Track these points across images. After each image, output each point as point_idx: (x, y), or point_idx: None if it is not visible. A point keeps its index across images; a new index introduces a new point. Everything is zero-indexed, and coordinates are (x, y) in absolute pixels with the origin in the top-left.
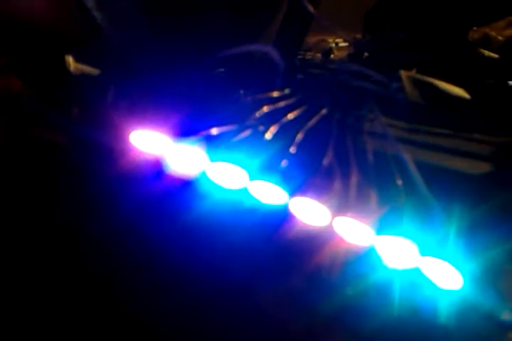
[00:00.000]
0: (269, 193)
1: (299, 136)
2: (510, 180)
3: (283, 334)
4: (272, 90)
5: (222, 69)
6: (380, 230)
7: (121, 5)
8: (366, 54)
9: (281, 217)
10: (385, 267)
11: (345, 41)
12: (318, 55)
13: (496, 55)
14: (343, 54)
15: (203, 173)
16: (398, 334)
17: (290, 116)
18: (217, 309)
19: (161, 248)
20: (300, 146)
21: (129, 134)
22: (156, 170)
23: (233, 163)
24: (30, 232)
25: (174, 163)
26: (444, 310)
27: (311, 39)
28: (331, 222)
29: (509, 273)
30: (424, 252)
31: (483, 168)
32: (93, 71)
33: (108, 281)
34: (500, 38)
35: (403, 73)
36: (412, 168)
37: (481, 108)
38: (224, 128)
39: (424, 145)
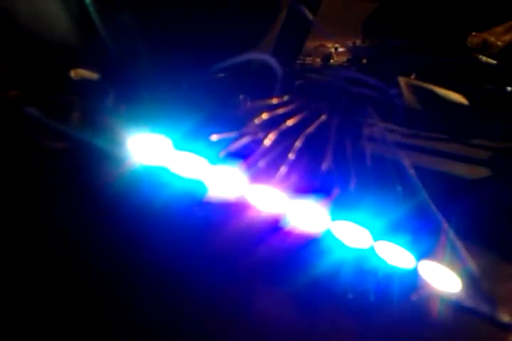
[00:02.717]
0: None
1: (299, 142)
2: (508, 184)
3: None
4: (272, 96)
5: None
6: (380, 236)
7: (119, 12)
8: (365, 60)
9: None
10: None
11: (344, 47)
12: (318, 60)
13: (494, 61)
14: (343, 59)
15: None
16: (395, 334)
17: (290, 122)
18: (217, 310)
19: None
20: (299, 152)
21: (128, 139)
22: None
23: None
24: (26, 238)
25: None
26: (442, 310)
27: (311, 44)
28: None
29: (506, 275)
30: (421, 257)
31: (482, 172)
32: (93, 76)
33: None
34: (499, 43)
35: (401, 79)
36: (411, 172)
37: (479, 113)
38: (224, 135)
39: (422, 150)
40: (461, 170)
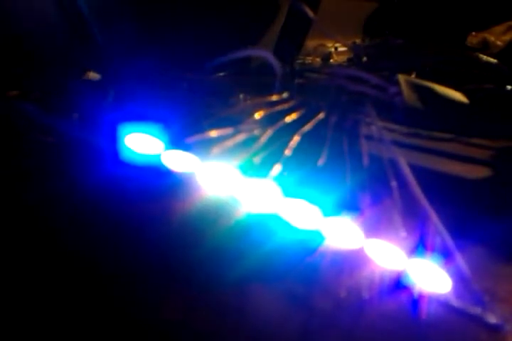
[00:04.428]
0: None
1: (295, 139)
2: (507, 185)
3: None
4: (271, 94)
5: (221, 73)
6: (376, 235)
7: (115, 11)
8: (365, 58)
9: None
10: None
11: (344, 46)
12: (318, 59)
13: (494, 60)
14: (342, 58)
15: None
16: (392, 335)
17: (287, 119)
18: (214, 309)
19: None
20: (296, 149)
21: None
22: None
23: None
24: (24, 236)
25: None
26: (434, 310)
27: (311, 43)
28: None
29: (504, 275)
30: (414, 256)
31: (482, 172)
32: (93, 75)
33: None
34: (499, 42)
35: (401, 77)
36: (407, 171)
37: (479, 112)
38: (221, 131)
39: (422, 149)
40: (460, 169)
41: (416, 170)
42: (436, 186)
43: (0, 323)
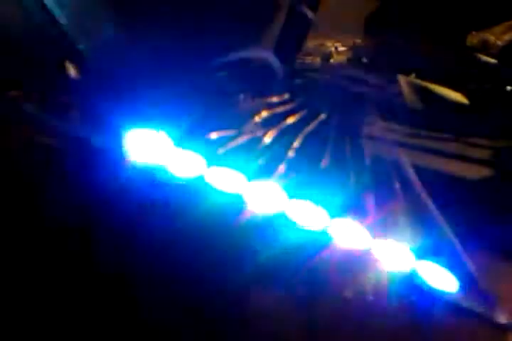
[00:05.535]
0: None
1: (298, 140)
2: (508, 184)
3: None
4: (271, 95)
5: (222, 75)
6: (380, 235)
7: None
8: (365, 59)
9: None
10: (384, 270)
11: (344, 46)
12: (318, 59)
13: (494, 60)
14: (343, 58)
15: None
16: (395, 336)
17: (289, 120)
18: (218, 309)
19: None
20: (299, 150)
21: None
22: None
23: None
24: (27, 236)
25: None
26: (441, 311)
27: (311, 43)
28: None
29: (506, 274)
30: (420, 256)
31: (482, 172)
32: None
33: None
34: (499, 42)
35: (402, 78)
36: (410, 171)
37: (479, 113)
38: (223, 133)
39: (422, 149)
40: (460, 169)
41: (416, 169)
42: (436, 185)
43: (1, 321)
